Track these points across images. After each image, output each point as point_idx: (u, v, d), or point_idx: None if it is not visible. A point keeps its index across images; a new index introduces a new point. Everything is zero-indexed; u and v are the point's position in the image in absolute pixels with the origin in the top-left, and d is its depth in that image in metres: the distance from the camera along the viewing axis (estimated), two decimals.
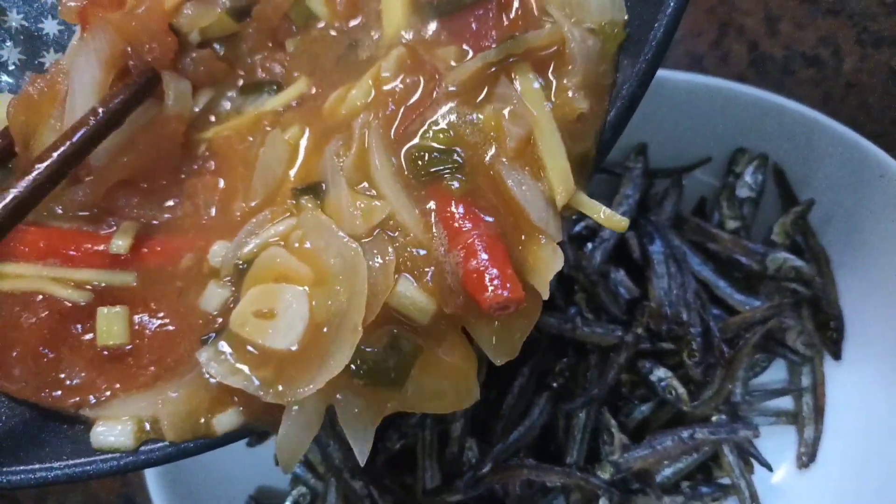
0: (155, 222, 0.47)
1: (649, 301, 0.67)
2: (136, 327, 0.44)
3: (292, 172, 0.44)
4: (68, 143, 0.42)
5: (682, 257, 0.71)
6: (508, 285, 0.36)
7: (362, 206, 0.39)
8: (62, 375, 0.44)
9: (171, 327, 0.44)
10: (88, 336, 0.44)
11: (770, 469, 0.70)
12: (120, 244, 0.45)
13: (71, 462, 0.43)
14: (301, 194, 0.41)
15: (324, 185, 0.42)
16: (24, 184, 0.40)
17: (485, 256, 0.37)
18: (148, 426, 0.42)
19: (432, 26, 0.45)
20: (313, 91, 0.48)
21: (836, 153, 0.72)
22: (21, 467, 0.42)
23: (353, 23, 0.48)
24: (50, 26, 0.54)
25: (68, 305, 0.45)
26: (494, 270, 0.36)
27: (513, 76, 0.40)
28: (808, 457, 0.72)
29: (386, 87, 0.43)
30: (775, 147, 0.75)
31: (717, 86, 0.75)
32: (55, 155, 0.41)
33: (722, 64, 0.91)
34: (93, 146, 0.43)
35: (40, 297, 0.45)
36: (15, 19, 0.53)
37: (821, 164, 0.73)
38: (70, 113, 0.44)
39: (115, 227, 0.47)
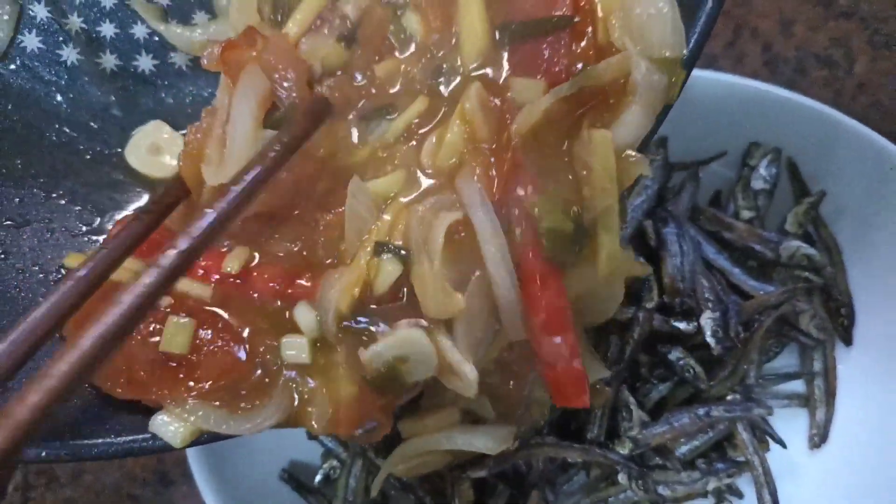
0: (280, 253, 0.48)
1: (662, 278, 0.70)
2: (199, 342, 0.46)
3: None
4: (259, 167, 0.43)
5: (697, 245, 0.74)
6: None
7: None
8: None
9: (240, 354, 0.46)
10: (155, 339, 0.46)
11: (784, 445, 0.73)
12: (231, 266, 0.47)
13: (129, 438, 0.46)
14: (381, 252, 0.42)
15: (405, 252, 0.42)
16: (222, 204, 0.41)
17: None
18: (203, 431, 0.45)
19: (505, 54, 0.45)
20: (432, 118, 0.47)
21: (847, 147, 0.75)
22: (85, 441, 0.45)
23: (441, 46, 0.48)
24: (107, 29, 0.57)
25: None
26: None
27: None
28: (819, 438, 0.74)
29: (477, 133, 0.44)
30: (788, 141, 0.79)
31: (733, 83, 0.78)
32: (248, 177, 0.43)
33: (737, 64, 0.95)
34: (277, 170, 0.45)
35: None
36: (76, 22, 0.57)
37: (832, 158, 0.76)
38: (231, 150, 0.46)
39: (227, 248, 0.48)
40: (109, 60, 0.56)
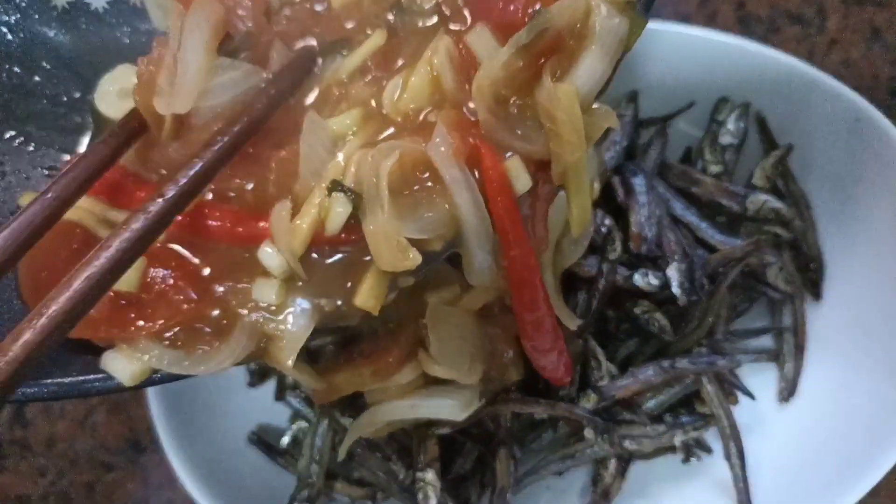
0: (231, 194, 0.47)
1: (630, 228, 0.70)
2: (150, 280, 0.45)
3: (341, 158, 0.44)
4: (246, 118, 0.43)
5: (665, 200, 0.74)
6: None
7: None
8: None
9: (193, 294, 0.45)
10: None
11: (752, 397, 0.72)
12: None
13: (80, 378, 0.45)
14: (333, 190, 0.42)
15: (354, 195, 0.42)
16: (208, 154, 0.42)
17: None
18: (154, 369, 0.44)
19: None
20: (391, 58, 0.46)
21: (815, 99, 0.74)
22: (40, 381, 0.45)
23: None
24: None
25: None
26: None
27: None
28: (788, 391, 0.74)
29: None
30: (758, 95, 0.78)
31: (703, 37, 0.77)
32: (236, 129, 0.43)
33: (709, 23, 0.94)
34: (264, 123, 0.45)
35: (78, 230, 0.47)
36: None
37: (800, 111, 0.76)
38: (182, 80, 0.45)
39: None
40: None
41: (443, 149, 0.41)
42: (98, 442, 0.91)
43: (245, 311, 0.44)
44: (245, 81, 0.46)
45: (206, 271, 0.46)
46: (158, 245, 0.47)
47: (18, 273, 0.47)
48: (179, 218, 0.45)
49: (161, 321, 0.45)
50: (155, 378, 0.45)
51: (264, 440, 0.78)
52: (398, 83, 0.45)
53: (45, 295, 0.36)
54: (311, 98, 0.49)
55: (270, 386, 0.81)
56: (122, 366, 0.44)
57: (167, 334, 0.45)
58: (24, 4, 0.54)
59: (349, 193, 0.42)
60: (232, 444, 0.78)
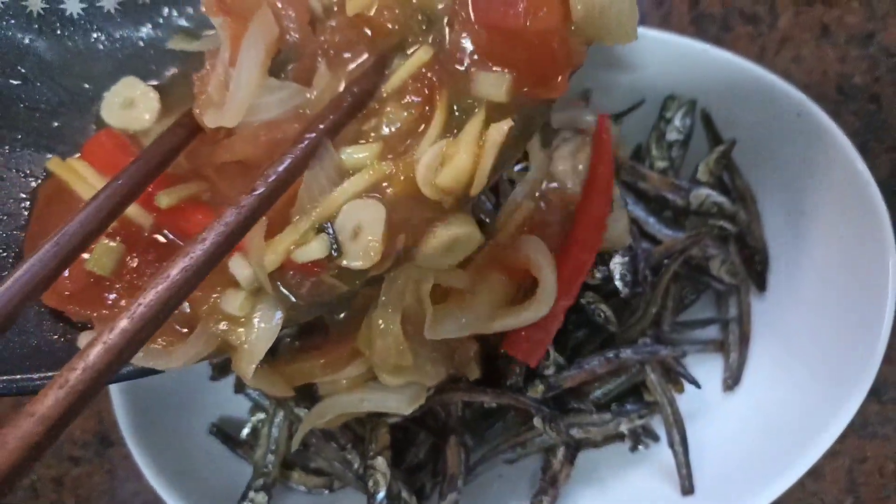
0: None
1: None
2: (126, 270, 0.47)
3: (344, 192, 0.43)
4: (331, 116, 0.43)
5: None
6: None
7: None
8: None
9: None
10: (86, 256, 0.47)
11: (697, 385, 0.74)
12: (164, 201, 0.47)
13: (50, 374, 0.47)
14: (321, 231, 0.43)
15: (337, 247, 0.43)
16: (296, 152, 0.42)
17: None
18: None
19: None
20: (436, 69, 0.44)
21: (757, 96, 0.76)
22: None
23: None
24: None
25: None
26: None
27: None
28: (732, 380, 0.76)
29: None
30: (705, 93, 0.80)
31: (654, 37, 0.79)
32: (321, 127, 0.43)
33: (664, 23, 0.96)
34: (347, 122, 0.45)
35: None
36: None
37: (745, 107, 0.78)
38: (234, 96, 0.46)
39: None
40: (35, 3, 0.55)
41: None
42: (67, 436, 0.93)
43: (210, 318, 0.46)
44: (291, 101, 0.47)
45: None
46: (144, 234, 0.49)
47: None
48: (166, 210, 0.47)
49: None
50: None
51: (224, 432, 0.79)
52: (437, 152, 0.43)
53: None
54: None
55: (231, 378, 0.82)
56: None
57: None
58: None
59: (334, 245, 0.43)
60: (193, 436, 0.80)
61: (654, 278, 0.72)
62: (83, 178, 0.51)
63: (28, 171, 0.54)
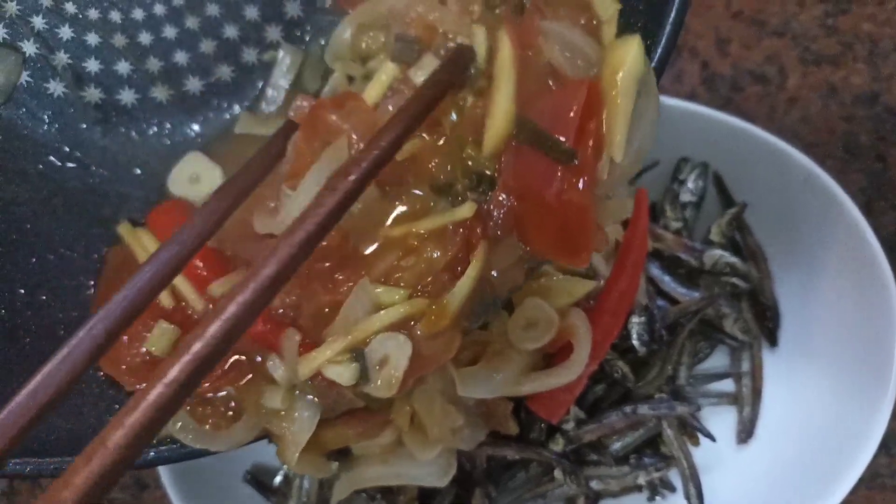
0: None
1: None
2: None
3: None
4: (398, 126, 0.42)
5: None
6: None
7: None
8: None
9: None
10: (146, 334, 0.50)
11: (713, 439, 0.77)
12: (218, 291, 0.50)
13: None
14: (355, 357, 0.46)
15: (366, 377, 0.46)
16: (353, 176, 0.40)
17: None
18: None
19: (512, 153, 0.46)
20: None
21: (767, 160, 0.80)
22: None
23: None
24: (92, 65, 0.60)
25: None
26: None
27: None
28: (746, 433, 0.79)
29: None
30: (715, 156, 0.84)
31: (667, 103, 0.84)
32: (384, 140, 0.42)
33: (676, 82, 1.00)
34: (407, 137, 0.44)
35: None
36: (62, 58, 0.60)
37: (754, 171, 0.82)
38: (289, 209, 0.47)
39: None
40: (94, 94, 0.60)
41: None
42: None
43: (253, 410, 0.48)
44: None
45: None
46: (195, 318, 0.52)
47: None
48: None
49: None
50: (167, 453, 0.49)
51: (258, 479, 0.83)
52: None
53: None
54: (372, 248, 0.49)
55: None
56: None
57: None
58: (58, 97, 0.59)
59: (364, 374, 0.46)
60: (229, 482, 0.84)
61: (670, 337, 0.75)
62: (144, 247, 0.55)
63: (85, 249, 0.58)
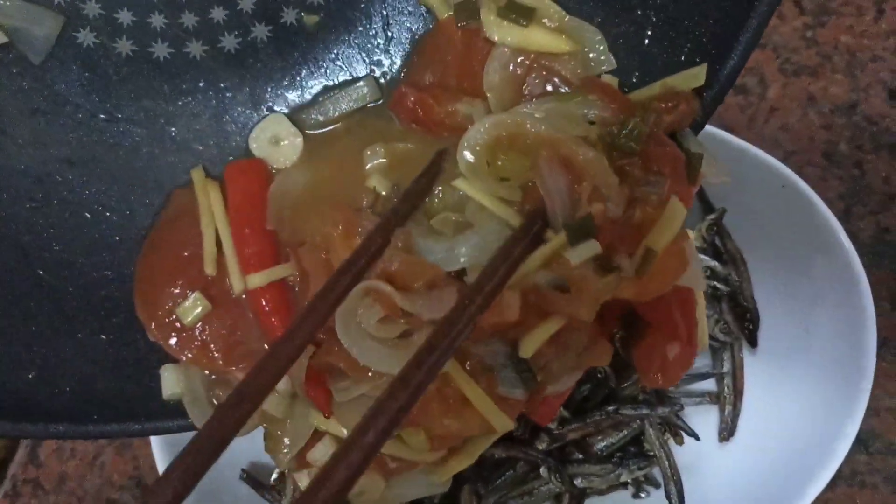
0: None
1: None
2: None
3: None
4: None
5: None
6: None
7: None
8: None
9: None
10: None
11: (697, 438, 0.80)
12: (237, 287, 0.54)
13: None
14: None
15: None
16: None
17: None
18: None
19: None
20: None
21: (744, 168, 0.83)
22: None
23: None
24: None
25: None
26: None
27: None
28: (728, 432, 0.82)
29: None
30: None
31: None
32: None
33: None
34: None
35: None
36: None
37: (733, 178, 0.84)
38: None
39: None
40: (125, 46, 0.58)
41: None
42: (105, 480, 0.99)
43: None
44: None
45: None
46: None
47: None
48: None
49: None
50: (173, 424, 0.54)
51: (254, 478, 0.85)
52: None
53: None
54: None
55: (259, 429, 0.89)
56: (171, 379, 0.54)
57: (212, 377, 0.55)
58: (87, 47, 0.57)
59: None
60: (225, 480, 0.86)
61: None
62: (208, 198, 0.56)
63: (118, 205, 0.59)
